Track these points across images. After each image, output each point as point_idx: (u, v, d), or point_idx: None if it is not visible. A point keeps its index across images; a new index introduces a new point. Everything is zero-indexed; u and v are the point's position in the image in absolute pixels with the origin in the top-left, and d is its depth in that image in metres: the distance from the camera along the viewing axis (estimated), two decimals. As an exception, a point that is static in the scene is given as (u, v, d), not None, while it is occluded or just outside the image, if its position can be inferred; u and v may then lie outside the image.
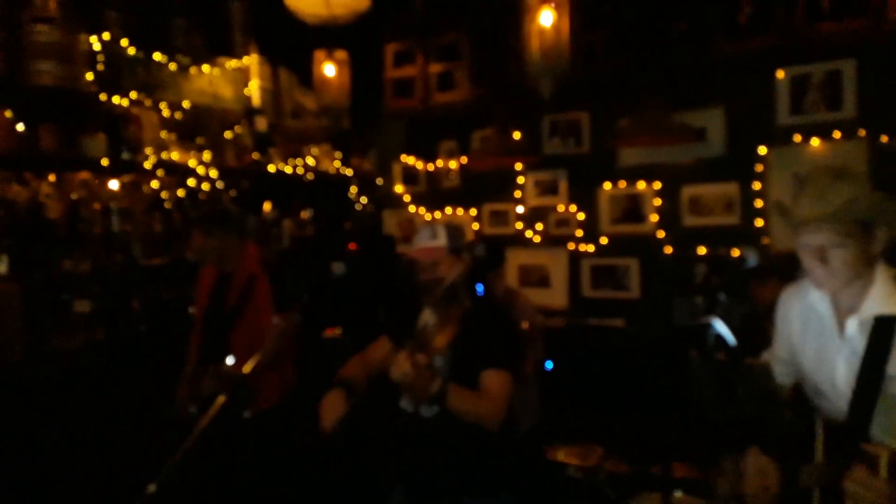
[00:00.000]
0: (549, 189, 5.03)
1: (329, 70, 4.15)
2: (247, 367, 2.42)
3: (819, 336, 1.92)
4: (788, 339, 2.01)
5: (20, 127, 3.75)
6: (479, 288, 2.57)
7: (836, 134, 3.93)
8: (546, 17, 3.15)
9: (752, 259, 2.03)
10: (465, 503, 2.37)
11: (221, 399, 2.23)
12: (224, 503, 3.08)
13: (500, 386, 2.33)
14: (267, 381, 3.21)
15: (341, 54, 4.22)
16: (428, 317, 2.49)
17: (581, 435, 3.43)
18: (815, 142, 4.00)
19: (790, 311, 2.01)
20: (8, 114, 3.68)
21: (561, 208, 4.97)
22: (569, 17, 3.20)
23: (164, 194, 4.52)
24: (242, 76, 5.17)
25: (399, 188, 5.84)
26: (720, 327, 1.90)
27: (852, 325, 1.80)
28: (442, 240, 2.54)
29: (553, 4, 3.13)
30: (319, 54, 4.19)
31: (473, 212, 5.44)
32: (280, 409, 3.27)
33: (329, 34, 4.44)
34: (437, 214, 5.64)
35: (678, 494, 2.66)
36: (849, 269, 1.76)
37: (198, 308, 3.71)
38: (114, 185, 4.28)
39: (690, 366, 1.88)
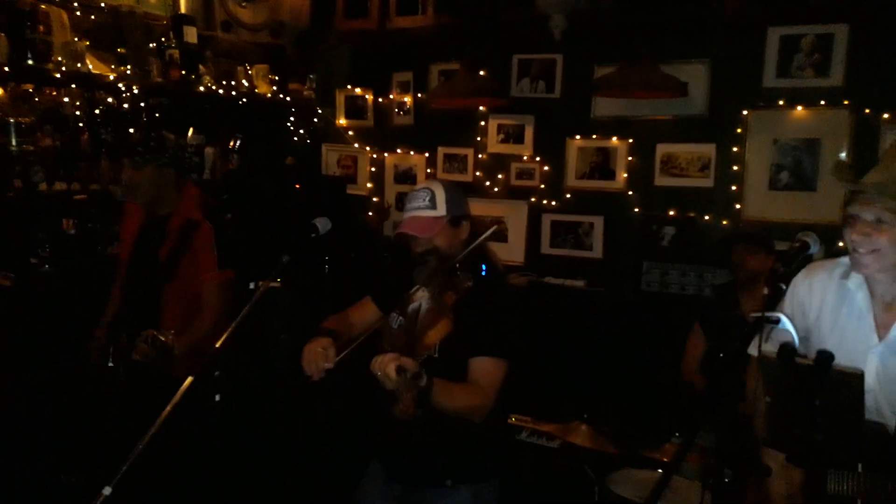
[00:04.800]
0: (514, 136, 4.69)
1: (288, -19, 3.53)
2: (219, 342, 2.00)
3: (849, 325, 1.86)
4: (806, 317, 1.93)
5: None
6: (484, 268, 2.22)
7: (822, 102, 3.82)
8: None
9: (815, 246, 1.81)
10: (450, 489, 2.16)
11: (189, 380, 1.86)
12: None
13: (490, 375, 2.08)
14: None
15: (302, -37, 3.60)
16: (420, 296, 2.14)
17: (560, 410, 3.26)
18: (799, 108, 3.88)
19: (819, 289, 1.91)
20: None
21: (525, 158, 4.66)
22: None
23: (78, 112, 3.81)
24: (168, -25, 4.41)
25: (342, 121, 5.30)
26: (788, 325, 1.67)
27: None
28: (441, 209, 2.15)
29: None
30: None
31: (426, 154, 5.03)
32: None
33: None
34: (386, 154, 5.19)
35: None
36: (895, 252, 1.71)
37: (122, 252, 3.19)
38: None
39: (764, 367, 1.65)
